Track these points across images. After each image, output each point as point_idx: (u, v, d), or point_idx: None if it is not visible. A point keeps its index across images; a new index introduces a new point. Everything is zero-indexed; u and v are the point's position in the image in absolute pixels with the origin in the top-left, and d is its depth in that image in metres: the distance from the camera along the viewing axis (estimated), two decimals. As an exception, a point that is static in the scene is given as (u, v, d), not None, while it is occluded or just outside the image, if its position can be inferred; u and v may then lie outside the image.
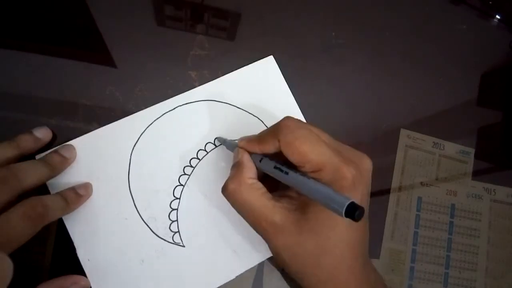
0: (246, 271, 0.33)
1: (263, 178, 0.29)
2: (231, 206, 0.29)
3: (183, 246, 0.33)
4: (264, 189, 0.28)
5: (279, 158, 0.28)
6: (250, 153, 0.30)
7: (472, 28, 0.43)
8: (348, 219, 0.22)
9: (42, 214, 0.27)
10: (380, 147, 0.39)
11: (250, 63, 0.37)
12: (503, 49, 0.43)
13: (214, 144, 0.35)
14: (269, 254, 0.33)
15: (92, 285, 0.30)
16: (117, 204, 0.32)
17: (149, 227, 0.32)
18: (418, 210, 0.38)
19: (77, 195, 0.31)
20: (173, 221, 0.33)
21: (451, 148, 0.40)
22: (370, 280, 0.28)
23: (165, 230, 0.32)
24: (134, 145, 0.34)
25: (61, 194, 0.30)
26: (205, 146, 0.35)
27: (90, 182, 0.32)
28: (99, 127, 0.34)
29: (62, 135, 0.34)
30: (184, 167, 0.34)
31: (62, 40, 0.36)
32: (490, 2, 0.44)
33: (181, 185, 0.34)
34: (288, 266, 0.28)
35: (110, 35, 0.37)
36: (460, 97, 0.41)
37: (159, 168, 0.34)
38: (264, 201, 0.28)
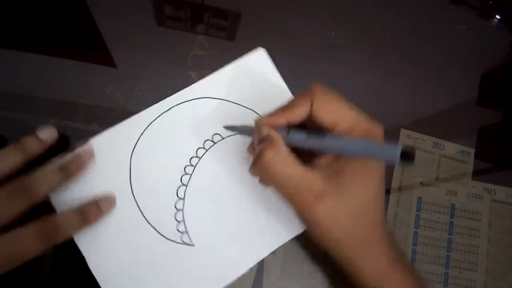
0: (246, 271, 0.33)
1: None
2: (235, 201, 0.29)
3: (193, 245, 0.32)
4: (298, 159, 0.28)
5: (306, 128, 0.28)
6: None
7: (472, 28, 0.43)
8: (401, 164, 0.23)
9: (54, 234, 0.27)
10: (380, 147, 0.39)
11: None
12: (503, 49, 0.43)
13: (213, 141, 0.35)
14: (277, 244, 0.33)
15: None
16: (122, 211, 0.32)
17: (156, 230, 0.32)
18: (418, 210, 0.38)
19: (99, 210, 0.30)
20: (179, 222, 0.33)
21: (451, 148, 0.40)
22: (393, 241, 0.29)
23: (173, 232, 0.32)
24: (132, 151, 0.33)
25: (80, 210, 0.30)
26: (203, 143, 0.35)
27: (93, 189, 0.32)
28: (99, 127, 0.34)
29: (62, 135, 0.34)
30: (185, 167, 0.34)
31: (62, 40, 0.36)
32: (490, 2, 0.44)
33: (184, 185, 0.34)
34: (328, 233, 0.28)
35: (110, 35, 0.37)
36: (460, 97, 0.41)
37: (160, 170, 0.33)
38: (302, 171, 0.27)
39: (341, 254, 0.29)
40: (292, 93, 0.37)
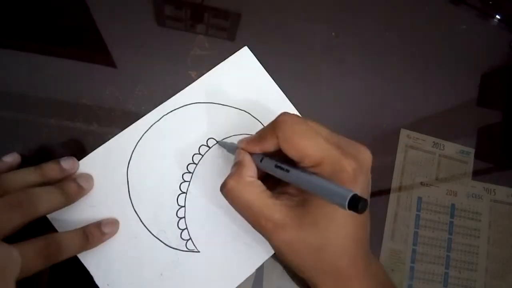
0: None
1: (264, 178, 0.29)
2: None
3: (198, 252, 0.32)
4: (263, 187, 0.28)
5: (280, 156, 0.28)
6: (251, 154, 0.30)
7: (472, 28, 0.43)
8: (350, 212, 0.22)
9: (55, 253, 0.27)
10: (380, 147, 0.39)
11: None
12: (503, 49, 0.43)
13: (208, 146, 0.35)
14: None
15: None
16: (124, 225, 0.32)
17: (160, 241, 0.32)
18: (418, 210, 0.38)
19: (102, 233, 0.30)
20: (183, 230, 0.33)
21: (451, 148, 0.40)
22: (371, 271, 0.29)
23: (177, 240, 0.32)
24: (128, 164, 0.33)
25: (84, 231, 0.30)
26: (199, 149, 0.35)
27: (92, 207, 0.32)
28: (99, 127, 0.34)
29: (62, 135, 0.34)
30: (183, 174, 0.34)
31: (62, 40, 0.36)
32: (490, 2, 0.44)
33: (184, 192, 0.34)
34: (290, 262, 0.28)
35: (110, 35, 0.37)
36: (460, 97, 0.41)
37: (158, 180, 0.33)
38: (263, 199, 0.28)
39: (306, 279, 0.29)
40: (297, 102, 0.37)
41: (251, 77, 0.37)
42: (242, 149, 0.30)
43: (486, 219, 0.39)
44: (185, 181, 0.34)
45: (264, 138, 0.28)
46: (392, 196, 0.38)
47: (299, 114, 0.37)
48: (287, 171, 0.27)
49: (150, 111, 0.35)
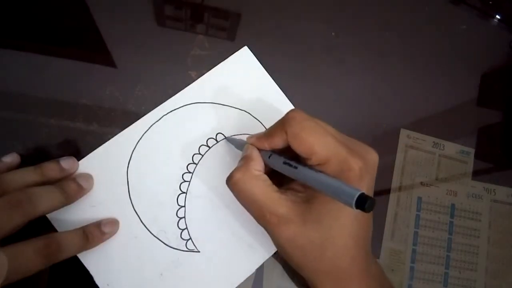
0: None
1: (271, 175, 0.29)
2: (236, 203, 0.29)
3: (198, 251, 0.32)
4: (269, 181, 0.28)
5: (288, 154, 0.28)
6: (260, 150, 0.30)
7: (472, 28, 0.43)
8: (357, 211, 0.22)
9: (55, 252, 0.27)
10: (380, 147, 0.38)
11: (250, 63, 0.37)
12: (503, 49, 0.43)
13: (208, 146, 0.35)
14: None
15: None
16: (124, 225, 0.32)
17: (161, 241, 0.32)
18: (418, 210, 0.38)
19: (102, 233, 0.30)
20: (183, 230, 0.33)
21: (451, 148, 0.40)
22: (371, 271, 0.28)
23: (177, 240, 0.32)
24: (128, 164, 0.33)
25: (84, 231, 0.30)
26: (199, 149, 0.35)
27: (92, 207, 0.32)
28: (99, 127, 0.34)
29: (62, 135, 0.34)
30: (183, 174, 0.34)
31: (62, 40, 0.36)
32: (490, 2, 0.44)
33: (184, 192, 0.33)
34: (291, 258, 0.28)
35: (110, 35, 0.37)
36: (460, 97, 0.41)
37: (158, 180, 0.33)
38: (269, 193, 0.28)
39: (306, 278, 0.28)
40: (297, 102, 0.37)
41: (251, 77, 0.37)
42: (251, 144, 0.30)
43: (486, 219, 0.39)
44: (185, 181, 0.34)
45: (273, 134, 0.28)
46: (392, 196, 0.38)
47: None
48: (295, 168, 0.27)
49: (150, 111, 0.35)
